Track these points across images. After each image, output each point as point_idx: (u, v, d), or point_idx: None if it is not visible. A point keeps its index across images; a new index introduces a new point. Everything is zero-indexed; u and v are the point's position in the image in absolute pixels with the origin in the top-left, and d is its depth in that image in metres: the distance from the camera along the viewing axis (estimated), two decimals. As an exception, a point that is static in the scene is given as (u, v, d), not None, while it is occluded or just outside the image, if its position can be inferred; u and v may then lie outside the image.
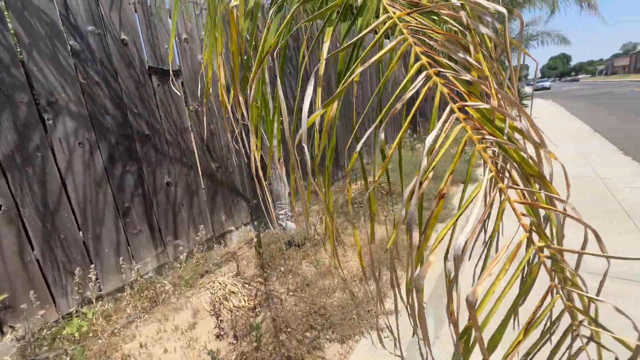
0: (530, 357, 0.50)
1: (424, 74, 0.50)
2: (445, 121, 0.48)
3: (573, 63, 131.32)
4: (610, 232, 2.99)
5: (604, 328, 0.43)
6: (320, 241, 2.69)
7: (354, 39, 0.57)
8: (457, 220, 0.52)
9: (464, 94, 0.47)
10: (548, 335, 0.51)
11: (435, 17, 0.56)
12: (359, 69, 0.53)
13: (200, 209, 2.81)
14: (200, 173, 2.80)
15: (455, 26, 0.54)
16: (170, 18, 2.51)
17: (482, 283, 0.42)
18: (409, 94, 0.54)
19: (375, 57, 0.52)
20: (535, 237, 0.49)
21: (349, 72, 0.56)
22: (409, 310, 0.54)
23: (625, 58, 79.18)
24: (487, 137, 0.45)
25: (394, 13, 0.54)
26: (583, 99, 21.17)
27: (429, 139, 0.50)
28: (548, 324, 0.51)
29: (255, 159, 0.88)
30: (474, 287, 0.43)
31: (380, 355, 1.67)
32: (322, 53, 0.56)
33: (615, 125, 9.67)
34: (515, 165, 0.45)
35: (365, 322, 1.95)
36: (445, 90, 0.47)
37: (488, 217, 0.62)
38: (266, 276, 2.41)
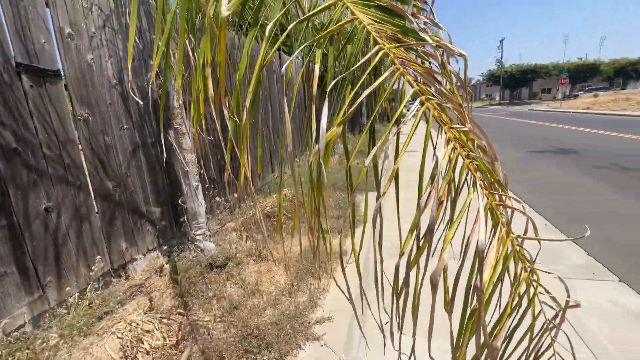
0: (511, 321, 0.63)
1: (418, 100, 0.58)
2: (446, 140, 0.57)
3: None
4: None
5: (546, 290, 0.59)
6: (244, 259, 2.57)
7: (352, 68, 0.62)
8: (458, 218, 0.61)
9: (446, 119, 0.58)
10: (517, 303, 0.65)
11: (414, 53, 0.66)
12: (364, 94, 0.58)
13: (94, 237, 2.33)
14: (92, 194, 2.33)
15: (429, 61, 0.64)
16: (47, 7, 2.06)
17: (487, 269, 0.50)
18: (410, 114, 0.62)
19: (376, 83, 0.58)
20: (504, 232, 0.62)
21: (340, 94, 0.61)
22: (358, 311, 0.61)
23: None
24: (470, 153, 0.56)
25: (384, 45, 0.60)
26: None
27: (440, 156, 0.56)
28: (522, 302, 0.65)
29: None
30: (483, 275, 0.51)
31: (322, 364, 1.71)
32: (315, 74, 0.59)
33: (466, 140, 12.27)
34: (484, 174, 0.57)
35: (301, 335, 1.96)
36: (436, 114, 0.57)
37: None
38: (187, 306, 2.16)
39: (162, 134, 2.59)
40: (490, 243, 0.56)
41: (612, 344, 2.05)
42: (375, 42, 0.60)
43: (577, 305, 0.57)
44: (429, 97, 0.57)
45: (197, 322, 2.03)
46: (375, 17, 0.67)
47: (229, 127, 0.69)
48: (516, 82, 50.00)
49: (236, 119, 0.67)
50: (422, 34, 0.62)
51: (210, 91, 0.66)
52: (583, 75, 48.27)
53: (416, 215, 0.54)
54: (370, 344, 1.74)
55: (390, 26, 0.67)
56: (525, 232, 0.65)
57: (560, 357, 0.66)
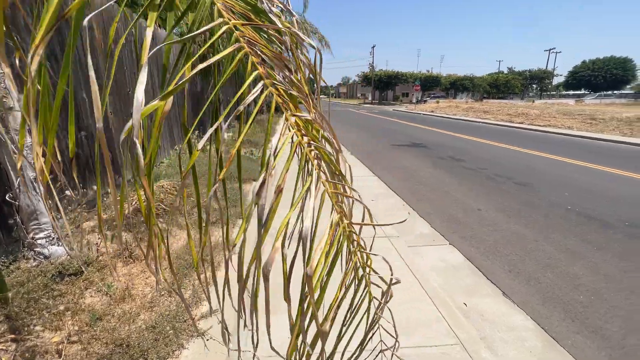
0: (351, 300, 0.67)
1: (261, 83, 0.54)
2: (285, 129, 0.55)
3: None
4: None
5: (374, 271, 0.68)
6: (110, 262, 2.18)
7: (189, 35, 0.53)
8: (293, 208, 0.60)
9: (292, 107, 0.57)
10: (353, 285, 0.69)
11: (265, 36, 0.63)
12: (196, 69, 0.51)
13: None
14: None
15: (280, 47, 0.62)
16: None
17: (316, 256, 0.52)
18: (251, 97, 0.57)
19: (216, 57, 0.51)
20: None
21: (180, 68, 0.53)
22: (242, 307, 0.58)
23: (344, 87, 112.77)
24: (311, 142, 0.57)
25: (229, 20, 0.55)
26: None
27: (273, 143, 0.54)
28: (356, 281, 0.69)
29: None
30: (311, 262, 0.51)
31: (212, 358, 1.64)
32: (146, 40, 0.51)
33: (339, 133, 13.62)
34: (326, 164, 0.58)
35: (184, 334, 1.82)
36: (280, 100, 0.55)
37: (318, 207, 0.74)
38: (26, 327, 1.69)
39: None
40: (315, 230, 0.56)
41: (441, 287, 2.69)
42: (220, 15, 0.55)
43: (397, 282, 0.65)
44: (275, 82, 0.55)
45: (39, 347, 1.62)
46: None
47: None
48: (384, 85, 58.01)
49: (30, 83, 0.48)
50: (272, 17, 0.59)
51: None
52: (430, 85, 59.92)
53: (250, 204, 0.52)
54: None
55: (242, 3, 0.62)
56: (363, 219, 0.71)
57: (385, 331, 0.75)
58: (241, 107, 0.59)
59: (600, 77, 57.01)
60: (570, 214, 4.49)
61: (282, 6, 0.63)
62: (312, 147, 0.58)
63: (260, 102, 0.57)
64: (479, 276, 3.00)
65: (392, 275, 0.66)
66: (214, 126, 0.53)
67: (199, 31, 0.55)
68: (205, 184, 4.02)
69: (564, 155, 8.66)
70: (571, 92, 61.45)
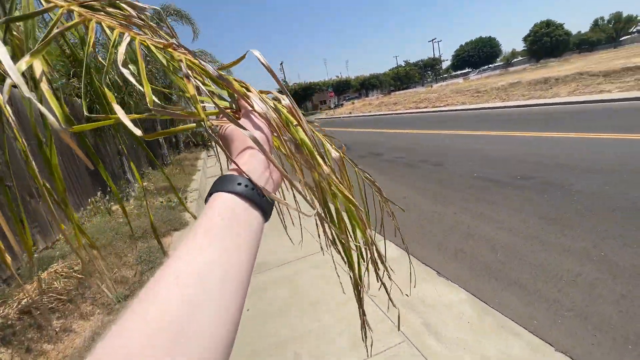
0: None
1: (127, 35, 0.46)
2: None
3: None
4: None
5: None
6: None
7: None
8: None
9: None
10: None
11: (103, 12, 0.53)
12: None
13: None
14: None
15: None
16: None
17: None
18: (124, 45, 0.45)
19: (61, 29, 0.40)
20: None
21: None
22: None
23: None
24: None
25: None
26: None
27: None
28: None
29: None
30: None
31: None
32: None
33: (272, 153, 13.50)
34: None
35: None
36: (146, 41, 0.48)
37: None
38: None
39: None
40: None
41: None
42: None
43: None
44: (137, 33, 0.48)
45: None
46: None
47: None
48: (301, 98, 59.88)
49: None
50: None
51: None
52: (342, 88, 63.68)
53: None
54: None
55: None
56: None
57: None
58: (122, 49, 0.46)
59: (476, 56, 67.46)
60: (476, 181, 5.04)
61: None
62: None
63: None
64: (415, 263, 3.14)
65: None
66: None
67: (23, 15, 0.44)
68: (113, 252, 3.50)
69: (464, 128, 9.84)
70: (459, 72, 71.40)
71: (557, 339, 2.03)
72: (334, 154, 0.54)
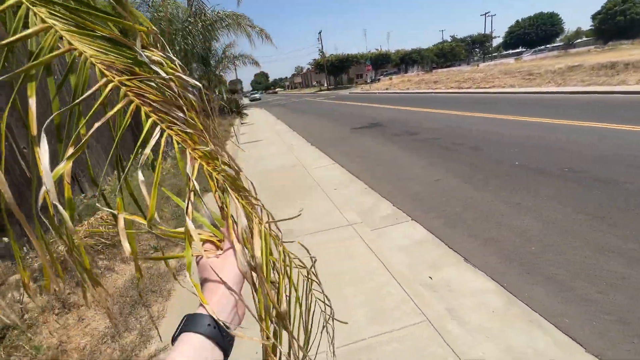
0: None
1: (159, 127, 0.58)
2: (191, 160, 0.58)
3: (271, 78, 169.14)
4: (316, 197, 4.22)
5: (300, 261, 0.68)
6: (38, 318, 1.93)
7: (75, 102, 0.56)
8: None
9: (189, 142, 0.61)
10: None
11: (153, 84, 0.65)
12: (93, 129, 0.52)
13: None
14: None
15: (170, 92, 0.65)
16: None
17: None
18: (149, 148, 0.59)
19: (110, 114, 0.54)
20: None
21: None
22: None
23: (299, 76, 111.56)
24: (216, 167, 0.61)
25: (114, 78, 0.57)
26: (281, 107, 27.98)
27: (189, 170, 0.56)
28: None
29: None
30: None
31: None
32: (30, 111, 0.50)
33: (301, 124, 13.51)
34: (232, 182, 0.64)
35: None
36: (179, 139, 0.59)
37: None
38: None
39: None
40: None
41: (406, 266, 2.71)
42: (103, 75, 0.57)
43: (315, 260, 0.70)
44: (170, 124, 0.59)
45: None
46: (101, 48, 0.62)
47: None
48: (337, 70, 58.15)
49: None
50: (154, 67, 0.63)
51: None
52: (381, 62, 60.91)
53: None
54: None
55: (123, 58, 0.64)
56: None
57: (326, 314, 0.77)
58: (147, 150, 0.58)
59: (533, 34, 60.96)
60: (517, 169, 4.73)
61: (162, 54, 0.66)
62: (219, 171, 0.63)
63: (162, 146, 0.60)
64: (442, 247, 3.06)
65: (312, 258, 0.72)
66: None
67: (84, 95, 0.56)
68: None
69: (510, 113, 9.14)
70: (510, 51, 65.33)
71: (589, 341, 1.93)
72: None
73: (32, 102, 0.53)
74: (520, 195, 3.86)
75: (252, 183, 0.81)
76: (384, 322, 2.09)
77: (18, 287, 2.16)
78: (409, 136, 8.01)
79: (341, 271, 2.69)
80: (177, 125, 0.64)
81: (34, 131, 0.52)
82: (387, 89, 29.76)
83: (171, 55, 0.74)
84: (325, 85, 62.47)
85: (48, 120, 0.52)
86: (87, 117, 0.57)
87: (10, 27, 0.61)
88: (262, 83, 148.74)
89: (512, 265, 2.69)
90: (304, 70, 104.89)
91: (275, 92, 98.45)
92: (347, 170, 5.83)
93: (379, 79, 48.34)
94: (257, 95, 55.79)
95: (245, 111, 19.24)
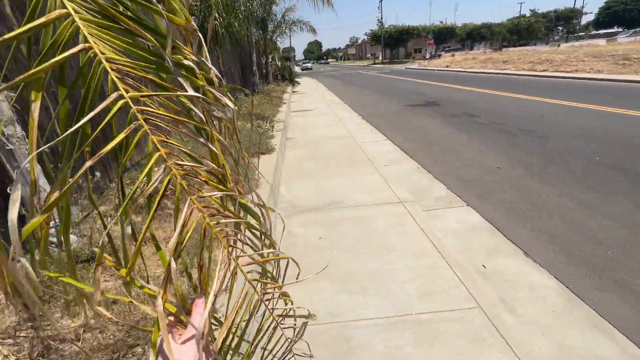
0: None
1: (163, 166, 0.48)
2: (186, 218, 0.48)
3: (324, 49, 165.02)
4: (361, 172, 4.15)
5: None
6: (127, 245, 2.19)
7: (82, 122, 0.42)
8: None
9: (204, 181, 0.52)
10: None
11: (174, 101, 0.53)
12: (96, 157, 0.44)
13: None
14: None
15: (194, 110, 0.52)
16: None
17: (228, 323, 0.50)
18: (151, 188, 0.49)
19: (110, 146, 0.44)
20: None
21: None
22: None
23: (353, 47, 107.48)
24: (221, 221, 0.52)
25: (126, 93, 0.46)
26: (332, 78, 27.32)
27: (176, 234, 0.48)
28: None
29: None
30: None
31: None
32: (33, 118, 0.41)
33: (352, 97, 13.14)
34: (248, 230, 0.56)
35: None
36: (185, 183, 0.49)
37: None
38: (41, 316, 1.75)
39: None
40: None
41: (458, 251, 2.60)
42: (115, 87, 0.46)
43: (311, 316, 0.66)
44: (178, 162, 0.49)
45: (57, 334, 1.68)
46: (121, 46, 0.50)
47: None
48: (395, 42, 54.83)
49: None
50: (182, 80, 0.50)
51: None
52: (444, 37, 56.16)
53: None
54: None
55: (142, 62, 0.51)
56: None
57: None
58: (141, 200, 0.50)
59: (636, 12, 51.33)
60: (594, 165, 4.19)
61: (196, 59, 0.52)
62: (222, 225, 0.53)
63: (162, 189, 0.50)
64: (498, 237, 2.88)
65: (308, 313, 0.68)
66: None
67: (89, 116, 0.45)
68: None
69: (593, 102, 8.02)
70: (602, 32, 55.85)
71: (668, 359, 1.72)
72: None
73: (36, 107, 0.42)
74: (595, 195, 3.45)
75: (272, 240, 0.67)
76: (434, 301, 2.05)
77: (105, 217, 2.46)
78: (469, 118, 7.44)
79: (392, 246, 2.66)
80: (190, 161, 0.53)
81: (34, 143, 0.42)
82: (447, 66, 27.59)
83: (207, 57, 0.58)
84: (380, 58, 59.55)
85: (36, 151, 0.42)
86: (90, 138, 0.44)
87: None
88: (315, 52, 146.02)
89: (580, 266, 2.45)
90: (359, 42, 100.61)
91: (327, 63, 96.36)
92: (399, 147, 5.63)
93: (439, 55, 44.87)
94: (308, 65, 55.09)
95: (296, 79, 19.16)
